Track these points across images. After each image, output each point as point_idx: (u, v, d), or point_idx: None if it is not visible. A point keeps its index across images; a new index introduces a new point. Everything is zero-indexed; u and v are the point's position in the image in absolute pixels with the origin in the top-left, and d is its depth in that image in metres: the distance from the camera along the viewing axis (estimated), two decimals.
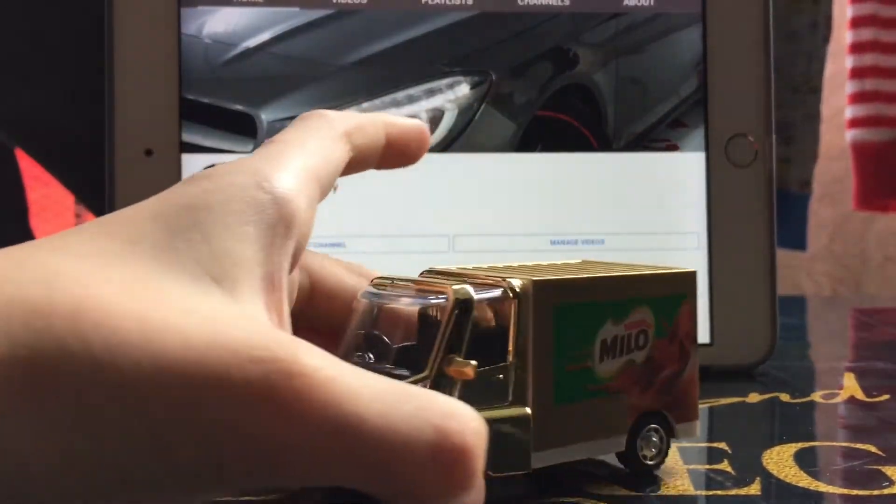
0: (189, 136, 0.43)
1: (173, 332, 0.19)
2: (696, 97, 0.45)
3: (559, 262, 0.31)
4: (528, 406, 0.26)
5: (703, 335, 0.44)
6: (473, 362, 0.24)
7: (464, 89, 0.44)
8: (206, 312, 0.20)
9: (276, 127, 0.43)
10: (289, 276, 0.24)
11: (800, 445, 0.32)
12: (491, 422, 0.24)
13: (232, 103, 0.43)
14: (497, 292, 0.26)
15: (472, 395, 0.24)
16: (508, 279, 0.26)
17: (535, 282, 0.26)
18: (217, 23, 0.43)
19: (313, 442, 0.19)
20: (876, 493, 0.27)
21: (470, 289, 0.25)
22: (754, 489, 0.28)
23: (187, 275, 0.21)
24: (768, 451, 0.31)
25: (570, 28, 0.45)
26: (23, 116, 0.58)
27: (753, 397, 0.40)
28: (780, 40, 0.74)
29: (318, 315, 0.29)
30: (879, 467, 0.29)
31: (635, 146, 0.45)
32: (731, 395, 0.40)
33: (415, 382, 0.24)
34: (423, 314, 0.26)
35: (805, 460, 0.30)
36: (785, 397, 0.40)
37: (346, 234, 0.43)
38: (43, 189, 1.09)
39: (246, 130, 0.43)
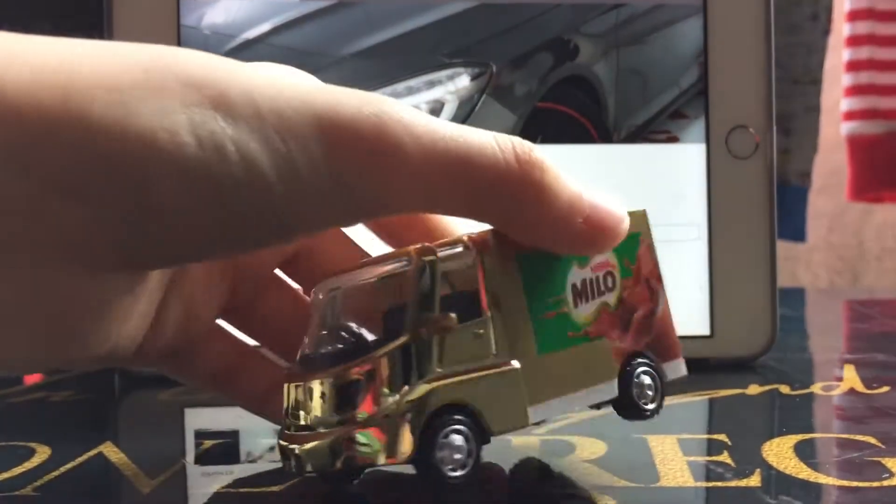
0: None
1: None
2: (696, 88, 0.45)
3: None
4: (513, 359, 0.25)
5: (703, 327, 0.44)
6: (452, 314, 0.24)
7: (464, 80, 0.44)
8: None
9: None
10: None
11: (800, 437, 0.32)
12: (480, 381, 0.24)
13: None
14: (458, 248, 0.25)
15: (455, 354, 0.24)
16: (463, 234, 0.26)
17: (493, 231, 0.25)
18: (216, 14, 0.43)
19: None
20: (876, 484, 0.27)
21: (431, 245, 0.25)
22: (754, 481, 0.28)
23: None
24: (768, 442, 0.31)
25: (571, 19, 0.45)
26: None
27: (753, 389, 0.40)
28: (781, 32, 0.74)
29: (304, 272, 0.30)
30: (879, 459, 0.29)
31: (635, 138, 0.45)
32: (731, 386, 0.40)
33: (392, 350, 0.24)
34: (386, 286, 0.25)
35: (805, 452, 0.30)
36: (785, 389, 0.40)
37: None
38: None
39: None
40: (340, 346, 0.25)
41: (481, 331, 0.25)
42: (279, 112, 0.22)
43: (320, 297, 0.27)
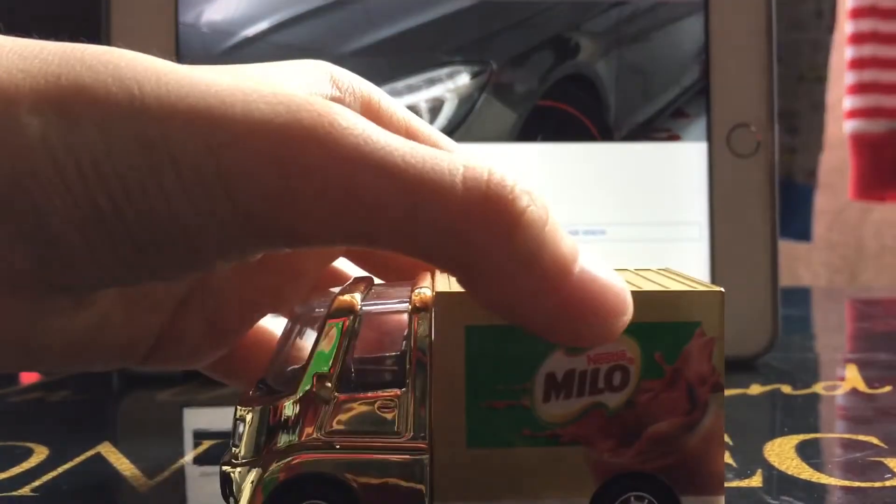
0: None
1: (214, 85, 0.19)
2: (698, 87, 0.45)
3: None
4: (427, 446, 0.22)
5: None
6: (329, 384, 0.21)
7: (464, 79, 0.44)
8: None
9: None
10: None
11: (801, 437, 0.32)
12: (372, 463, 0.21)
13: None
14: (398, 305, 0.22)
15: (358, 425, 0.22)
16: (423, 291, 0.22)
17: (438, 294, 0.21)
18: (215, 11, 0.43)
19: (336, 178, 0.19)
20: (878, 484, 0.27)
21: (357, 297, 0.22)
22: (756, 481, 0.27)
23: None
24: (770, 442, 0.31)
25: (572, 17, 0.45)
26: None
27: (755, 389, 0.40)
28: (785, 29, 0.74)
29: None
30: (881, 459, 0.29)
31: (637, 136, 0.45)
32: (732, 386, 0.40)
33: (268, 404, 0.22)
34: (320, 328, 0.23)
35: (807, 452, 0.30)
36: (786, 389, 0.40)
37: None
38: None
39: None
40: (271, 380, 0.24)
41: (391, 406, 0.22)
42: (169, 120, 0.19)
43: (294, 311, 0.25)
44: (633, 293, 0.21)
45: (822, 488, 0.27)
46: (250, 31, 0.43)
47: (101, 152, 0.19)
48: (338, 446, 0.22)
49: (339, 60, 0.44)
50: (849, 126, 1.02)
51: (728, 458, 0.30)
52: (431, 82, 0.44)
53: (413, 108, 0.44)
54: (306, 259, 0.27)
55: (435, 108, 0.44)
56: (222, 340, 0.27)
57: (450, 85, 0.44)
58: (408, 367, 0.22)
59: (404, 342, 0.22)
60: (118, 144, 0.19)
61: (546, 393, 0.22)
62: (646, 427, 0.22)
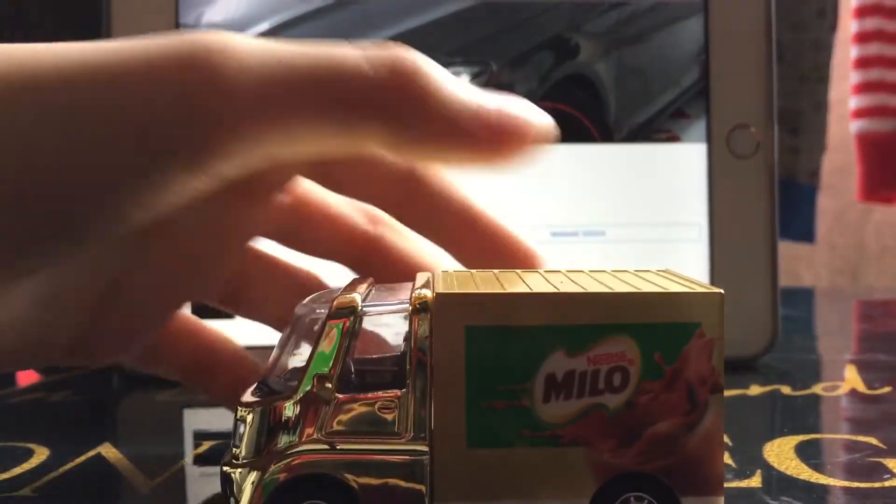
0: None
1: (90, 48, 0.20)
2: (697, 87, 0.45)
3: (586, 271, 0.26)
4: (427, 446, 0.22)
5: None
6: (329, 384, 0.22)
7: (464, 79, 0.44)
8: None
9: None
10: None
11: (801, 438, 0.32)
12: (373, 464, 0.22)
13: None
14: (398, 305, 0.22)
15: (358, 426, 0.22)
16: (423, 291, 0.22)
17: (438, 295, 0.22)
18: (215, 12, 0.43)
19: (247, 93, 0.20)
20: (877, 485, 0.27)
21: (357, 297, 0.22)
22: (755, 482, 0.27)
23: None
24: (769, 443, 0.31)
25: (572, 18, 0.45)
26: None
27: (754, 389, 0.40)
28: (787, 29, 0.73)
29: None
30: (881, 460, 0.29)
31: (636, 137, 0.45)
32: (731, 387, 0.40)
33: (281, 402, 0.22)
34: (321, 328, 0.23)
35: (806, 453, 0.30)
36: (786, 389, 0.40)
37: None
38: None
39: None
40: (271, 380, 0.24)
41: (392, 406, 0.22)
42: (67, 84, 0.20)
43: (295, 312, 0.25)
44: (634, 294, 0.22)
45: (821, 489, 0.27)
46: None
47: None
48: (338, 447, 0.22)
49: None
50: (855, 126, 1.01)
51: (728, 459, 0.30)
52: None
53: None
54: (213, 243, 0.27)
55: None
56: (142, 333, 0.27)
57: None
58: (408, 367, 0.22)
59: (404, 343, 0.22)
60: (17, 119, 0.19)
61: (546, 393, 0.22)
62: (646, 428, 0.22)
